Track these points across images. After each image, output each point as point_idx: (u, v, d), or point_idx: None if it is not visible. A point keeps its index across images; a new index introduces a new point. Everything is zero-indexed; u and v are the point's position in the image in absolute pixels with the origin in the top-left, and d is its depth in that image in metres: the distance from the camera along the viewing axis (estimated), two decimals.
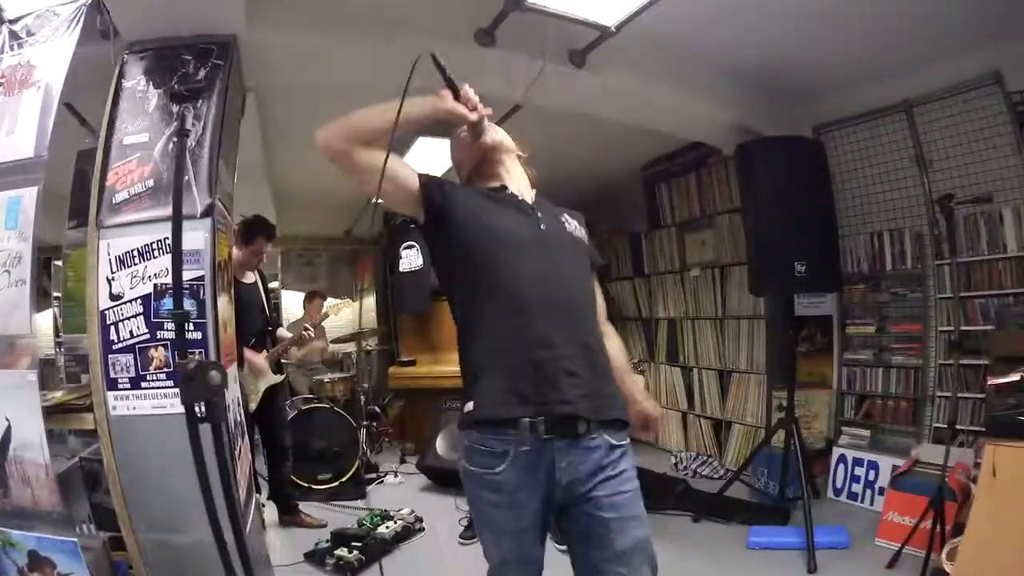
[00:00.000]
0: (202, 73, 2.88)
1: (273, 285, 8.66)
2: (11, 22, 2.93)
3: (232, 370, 3.01)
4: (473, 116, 1.87)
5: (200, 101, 2.82)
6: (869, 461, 4.44)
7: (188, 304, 2.64)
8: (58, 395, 3.02)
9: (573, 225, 2.03)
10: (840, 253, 4.59)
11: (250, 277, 4.53)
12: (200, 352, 2.66)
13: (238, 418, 3.02)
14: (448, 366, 6.45)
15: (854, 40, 3.92)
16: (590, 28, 3.29)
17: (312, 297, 7.38)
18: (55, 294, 5.03)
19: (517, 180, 2.02)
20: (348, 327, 7.60)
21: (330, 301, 6.67)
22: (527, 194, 2.00)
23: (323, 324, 5.97)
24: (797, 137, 4.75)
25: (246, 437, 3.16)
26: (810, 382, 5.06)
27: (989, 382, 3.53)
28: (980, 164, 4.11)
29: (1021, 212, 3.95)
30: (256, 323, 4.50)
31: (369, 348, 7.72)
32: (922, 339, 4.47)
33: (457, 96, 1.84)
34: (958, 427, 3.87)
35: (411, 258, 7.40)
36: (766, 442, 4.64)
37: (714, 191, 6.04)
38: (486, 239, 1.80)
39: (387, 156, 1.70)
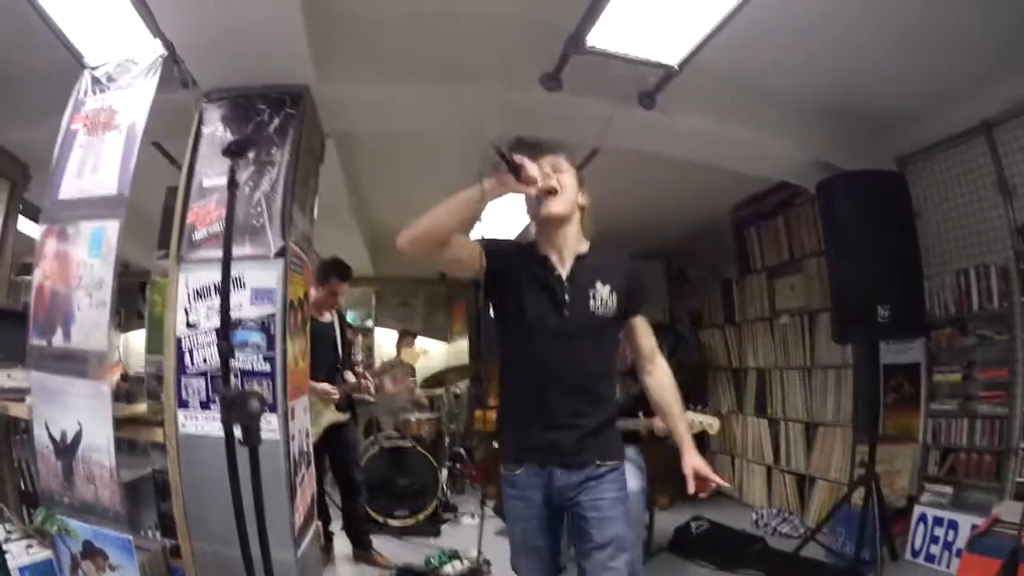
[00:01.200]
0: (276, 122, 3.10)
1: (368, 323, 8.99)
2: (92, 68, 3.20)
3: (302, 401, 3.15)
4: (533, 191, 2.08)
5: (274, 148, 3.04)
6: (949, 520, 4.10)
7: (259, 338, 2.84)
8: (140, 408, 3.29)
9: (602, 297, 2.20)
10: (925, 294, 4.33)
11: (327, 316, 4.68)
12: (268, 382, 2.84)
13: (304, 448, 3.16)
14: None
15: (926, 63, 3.72)
16: (653, 68, 3.29)
17: (404, 336, 7.51)
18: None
19: (562, 247, 2.25)
20: (439, 368, 7.70)
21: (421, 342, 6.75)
22: (569, 260, 2.23)
23: (414, 365, 6.09)
24: (878, 171, 4.45)
25: (311, 466, 3.27)
26: (895, 436, 4.72)
27: None
28: None
29: None
30: (328, 360, 4.60)
31: (458, 391, 7.77)
32: (1008, 385, 4.05)
33: (519, 176, 2.00)
34: None
35: None
36: (845, 500, 4.40)
37: (801, 233, 5.82)
38: (518, 319, 2.17)
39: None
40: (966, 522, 3.96)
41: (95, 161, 3.01)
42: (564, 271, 2.21)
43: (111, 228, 2.87)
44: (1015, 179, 4.02)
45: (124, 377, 4.40)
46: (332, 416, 4.55)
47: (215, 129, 3.12)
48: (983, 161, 4.21)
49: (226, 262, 1.77)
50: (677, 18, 2.98)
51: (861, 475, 4.22)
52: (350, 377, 4.83)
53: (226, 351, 1.78)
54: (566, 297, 2.17)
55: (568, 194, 2.20)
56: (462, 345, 9.12)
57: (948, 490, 4.28)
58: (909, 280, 4.05)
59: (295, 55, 2.97)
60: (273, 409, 2.82)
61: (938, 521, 4.16)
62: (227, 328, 1.82)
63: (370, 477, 5.18)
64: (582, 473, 2.13)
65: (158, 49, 2.98)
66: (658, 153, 4.25)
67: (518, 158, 2.01)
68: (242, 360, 2.85)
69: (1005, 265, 4.11)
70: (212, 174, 3.02)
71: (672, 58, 3.24)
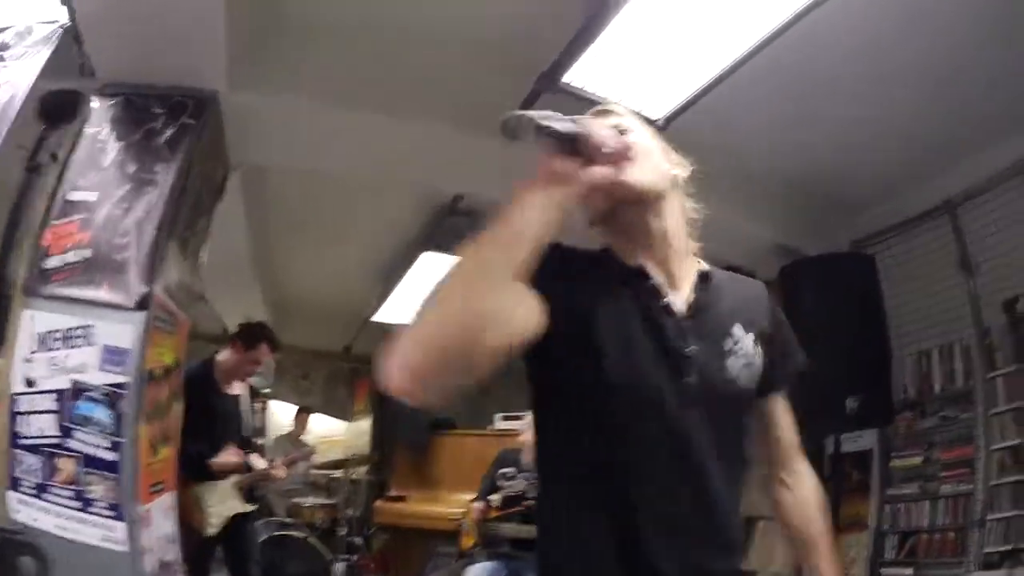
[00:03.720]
0: (170, 131, 2.48)
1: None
2: None
3: (163, 501, 2.43)
4: (607, 172, 1.10)
5: (159, 164, 2.41)
6: None
7: (104, 415, 2.13)
8: None
9: (746, 351, 1.25)
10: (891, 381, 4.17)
11: (237, 389, 4.01)
12: (115, 479, 2.10)
13: (167, 557, 2.49)
14: (442, 507, 5.92)
15: (889, 144, 3.64)
16: None
17: (300, 414, 7.04)
18: None
19: (668, 256, 1.26)
20: (339, 451, 7.21)
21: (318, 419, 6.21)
22: (685, 280, 1.27)
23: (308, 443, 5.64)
24: (846, 254, 4.35)
25: None
26: (846, 524, 4.45)
27: None
28: None
29: None
30: (231, 442, 3.92)
31: (356, 477, 7.04)
32: (972, 462, 3.92)
33: (580, 148, 1.07)
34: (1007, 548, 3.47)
35: None
36: None
37: None
38: (591, 385, 1.14)
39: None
40: None
41: None
42: (680, 299, 1.24)
43: None
44: (978, 256, 3.95)
45: None
46: (237, 506, 3.88)
47: (99, 131, 2.48)
48: (945, 241, 4.15)
49: None
50: (668, 67, 2.60)
51: None
52: (258, 463, 4.13)
53: None
54: (688, 348, 1.18)
55: (646, 155, 1.21)
56: (363, 426, 8.47)
57: (908, 572, 4.12)
58: (878, 368, 3.88)
59: (207, 51, 2.41)
60: (118, 515, 2.10)
61: None
62: None
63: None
64: None
65: (60, 18, 2.41)
66: None
67: (565, 122, 1.07)
68: (82, 443, 2.14)
69: (967, 344, 4.04)
70: (84, 186, 2.37)
71: (656, 112, 2.80)
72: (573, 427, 1.17)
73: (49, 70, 2.39)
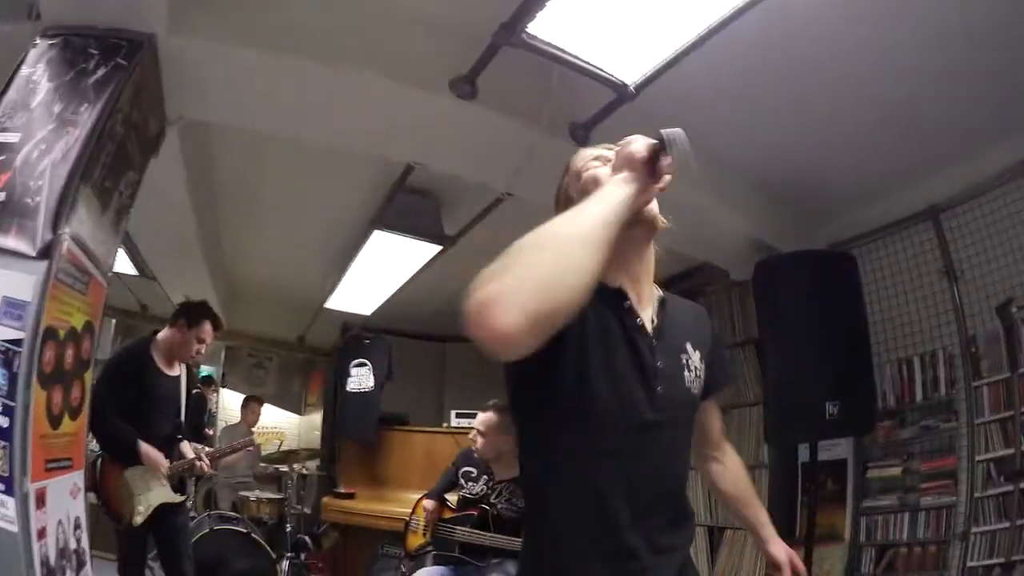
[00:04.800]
0: (101, 72, 2.24)
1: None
2: None
3: (67, 480, 2.18)
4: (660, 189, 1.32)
5: (84, 105, 2.17)
6: None
7: None
8: None
9: (695, 366, 1.51)
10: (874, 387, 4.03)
11: (176, 370, 3.85)
12: (4, 448, 1.85)
13: (73, 545, 2.23)
14: (392, 505, 5.71)
15: (875, 147, 3.63)
16: (604, 85, 2.62)
17: (249, 402, 6.76)
18: None
19: (641, 281, 1.48)
20: (292, 443, 7.04)
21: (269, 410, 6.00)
22: (650, 303, 1.49)
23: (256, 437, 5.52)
24: (828, 252, 4.21)
25: (86, 569, 2.33)
26: (821, 536, 4.28)
27: None
28: (1017, 265, 3.67)
29: None
30: (166, 426, 3.77)
31: (304, 472, 6.78)
32: (954, 473, 3.87)
33: (656, 169, 1.26)
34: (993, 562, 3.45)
35: (361, 378, 6.68)
36: None
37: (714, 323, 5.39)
38: (576, 396, 1.34)
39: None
40: None
41: None
42: (647, 319, 1.45)
43: None
44: (962, 264, 3.95)
45: None
46: (164, 495, 3.67)
47: (32, 72, 2.25)
48: (929, 247, 4.15)
49: None
50: (641, 28, 2.39)
51: None
52: (187, 451, 3.96)
53: None
54: (658, 363, 1.41)
55: None
56: (316, 420, 8.20)
57: None
58: (858, 373, 3.66)
59: None
60: (8, 489, 1.85)
61: None
62: None
63: (198, 557, 4.28)
64: None
65: None
66: None
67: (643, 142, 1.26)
68: None
69: (952, 351, 4.02)
70: (11, 127, 2.12)
71: (630, 77, 2.59)
72: (558, 424, 1.36)
73: None
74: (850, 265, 3.91)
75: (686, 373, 1.47)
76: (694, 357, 1.50)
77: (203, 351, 3.88)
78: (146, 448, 3.54)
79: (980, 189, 3.80)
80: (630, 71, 2.56)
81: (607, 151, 1.44)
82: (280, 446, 5.90)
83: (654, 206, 1.38)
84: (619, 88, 2.59)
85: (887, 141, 3.55)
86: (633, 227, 1.31)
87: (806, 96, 3.17)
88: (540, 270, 1.00)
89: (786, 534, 4.01)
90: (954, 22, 2.68)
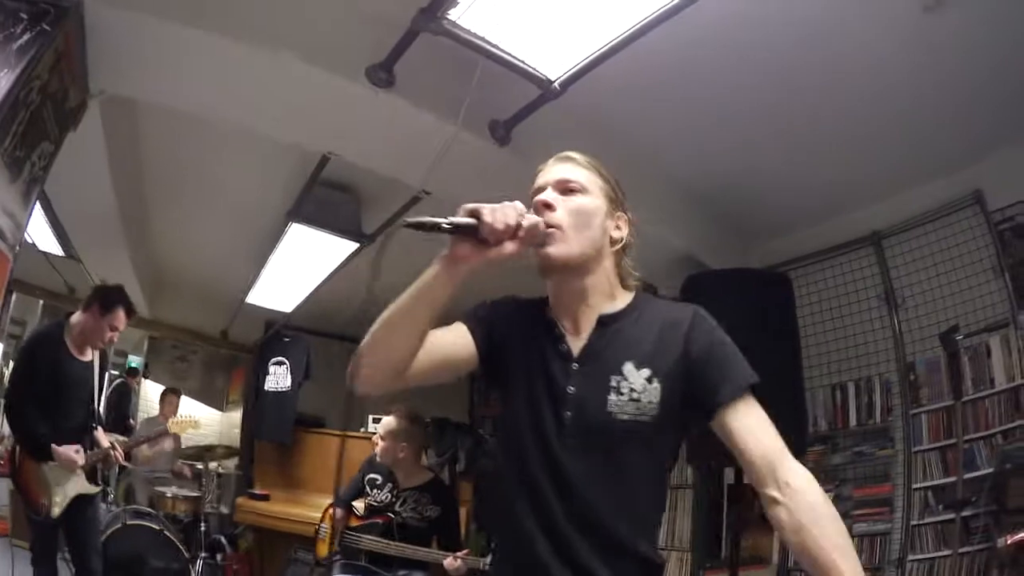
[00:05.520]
0: (25, 38, 2.17)
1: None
2: None
3: None
4: (511, 248, 1.34)
5: (4, 71, 2.10)
6: None
7: None
8: None
9: (631, 388, 1.42)
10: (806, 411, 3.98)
11: (88, 355, 3.78)
12: None
13: None
14: (306, 509, 5.56)
15: (821, 166, 3.64)
16: (527, 81, 2.60)
17: (167, 395, 6.64)
18: None
19: (578, 309, 1.51)
20: (212, 439, 6.76)
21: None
22: (588, 327, 1.49)
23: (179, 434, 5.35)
24: (760, 271, 4.11)
25: None
26: (746, 559, 4.25)
27: (1009, 540, 2.93)
28: (957, 295, 3.75)
29: (1009, 340, 3.51)
30: (78, 415, 3.72)
31: (221, 471, 6.61)
32: (890, 500, 3.89)
33: (481, 234, 1.31)
34: None
35: (279, 377, 6.58)
36: None
37: None
38: (510, 418, 1.52)
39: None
40: None
41: None
42: (576, 345, 1.48)
43: None
44: (903, 291, 3.98)
45: None
46: (80, 486, 3.65)
47: None
48: (869, 273, 4.16)
49: None
50: (569, 23, 2.37)
51: None
52: (103, 440, 3.89)
53: None
54: (568, 389, 1.43)
55: (579, 227, 1.45)
56: (237, 417, 7.89)
57: None
58: (792, 394, 3.52)
59: None
60: None
61: None
62: None
63: (111, 553, 4.21)
64: None
65: None
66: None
67: (466, 210, 1.30)
68: None
69: (889, 378, 4.04)
70: None
71: (553, 72, 2.57)
72: (503, 450, 1.56)
73: None
74: (785, 287, 3.77)
75: (611, 396, 1.40)
76: (633, 377, 1.42)
77: (115, 338, 3.82)
78: (59, 451, 3.48)
79: (925, 218, 3.85)
80: (555, 67, 2.54)
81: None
82: (191, 429, 5.66)
83: (556, 249, 1.41)
84: (543, 84, 2.57)
85: (832, 163, 3.55)
86: (544, 273, 1.47)
87: (747, 108, 3.14)
88: (375, 342, 1.35)
89: (711, 557, 4.08)
90: (910, 49, 2.74)
